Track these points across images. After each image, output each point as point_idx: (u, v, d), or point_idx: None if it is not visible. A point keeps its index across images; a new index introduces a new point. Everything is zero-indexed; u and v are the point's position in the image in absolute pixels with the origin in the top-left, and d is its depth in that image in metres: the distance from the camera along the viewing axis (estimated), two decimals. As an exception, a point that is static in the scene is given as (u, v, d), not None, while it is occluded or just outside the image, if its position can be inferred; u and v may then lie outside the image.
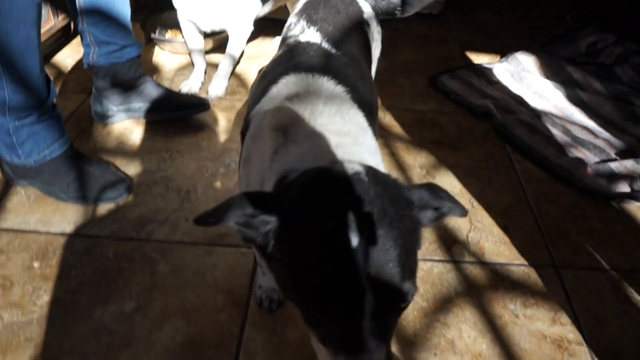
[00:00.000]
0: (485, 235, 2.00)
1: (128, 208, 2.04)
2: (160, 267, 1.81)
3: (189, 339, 1.60)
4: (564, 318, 1.74)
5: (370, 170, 0.90)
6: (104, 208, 2.05)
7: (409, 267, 0.83)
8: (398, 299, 0.81)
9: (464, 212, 0.98)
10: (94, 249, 1.89)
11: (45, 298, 1.73)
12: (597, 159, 2.42)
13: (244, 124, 1.37)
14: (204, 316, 1.66)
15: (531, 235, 2.02)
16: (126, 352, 1.58)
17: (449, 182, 2.24)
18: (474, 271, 1.85)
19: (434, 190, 0.94)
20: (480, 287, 1.80)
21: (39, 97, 1.90)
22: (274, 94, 1.25)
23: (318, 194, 0.86)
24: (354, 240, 0.78)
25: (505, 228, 2.02)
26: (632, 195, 2.22)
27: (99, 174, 2.07)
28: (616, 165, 2.32)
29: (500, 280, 1.83)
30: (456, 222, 2.04)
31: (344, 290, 0.78)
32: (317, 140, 1.07)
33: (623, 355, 1.67)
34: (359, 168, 0.88)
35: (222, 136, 2.47)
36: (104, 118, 2.49)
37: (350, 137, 1.12)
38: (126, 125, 2.51)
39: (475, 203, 2.14)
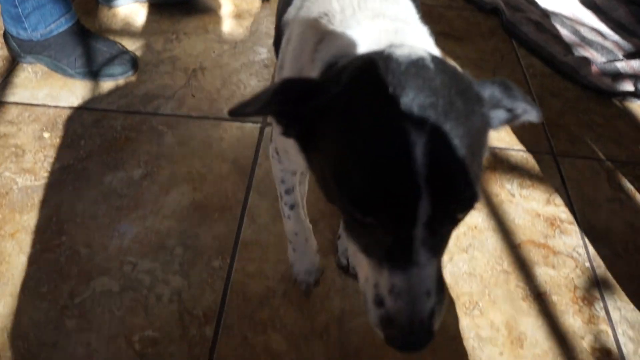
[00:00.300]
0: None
1: (135, 85, 2.06)
2: (167, 139, 1.85)
3: (195, 203, 1.67)
4: (558, 200, 1.80)
5: (436, 58, 0.75)
6: (110, 85, 2.07)
7: (473, 171, 0.69)
8: (458, 205, 0.69)
9: (540, 115, 0.84)
10: (102, 122, 1.92)
11: (56, 165, 1.78)
12: (604, 59, 2.41)
13: (276, 33, 1.25)
14: (210, 183, 1.72)
15: (532, 125, 2.04)
16: (135, 213, 1.65)
17: (454, 73, 2.24)
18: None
19: (508, 87, 0.81)
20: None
21: None
22: None
23: (374, 78, 0.72)
24: (414, 132, 0.65)
25: (507, 116, 2.05)
26: (636, 94, 2.24)
27: (106, 50, 2.07)
28: (622, 65, 2.32)
29: (499, 163, 1.88)
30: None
31: (396, 189, 0.66)
32: (372, 24, 0.92)
33: (610, 235, 1.75)
34: (423, 54, 0.74)
35: (229, 19, 2.45)
36: (109, 0, 2.46)
37: (409, 24, 0.97)
38: (132, 8, 2.48)
39: (479, 93, 2.15)
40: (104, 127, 1.90)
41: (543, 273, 1.61)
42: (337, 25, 0.95)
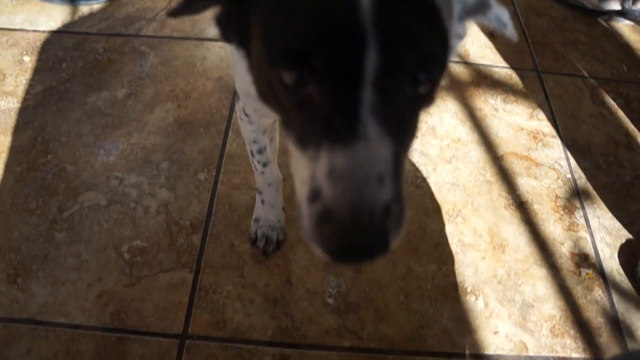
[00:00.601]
0: (471, 39, 2.02)
1: (115, 8, 2.02)
2: (150, 59, 1.84)
3: (179, 120, 1.67)
4: (541, 115, 1.82)
5: None
6: (90, 8, 2.03)
7: (435, 24, 0.57)
8: (417, 57, 0.55)
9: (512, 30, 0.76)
10: (83, 44, 1.89)
11: (38, 87, 1.77)
12: (591, -20, 2.39)
13: None
14: (194, 100, 1.71)
15: (517, 43, 2.04)
16: (120, 131, 1.65)
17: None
18: (458, 69, 1.90)
19: None
20: (463, 83, 1.85)
21: None
22: None
23: None
24: None
25: (491, 34, 2.04)
26: (622, 13, 2.22)
27: None
28: (609, -16, 2.29)
29: (483, 79, 1.88)
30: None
31: (332, 29, 0.53)
32: None
33: (591, 148, 1.77)
34: None
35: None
36: None
37: None
38: None
39: (465, 13, 2.14)
40: (85, 50, 1.88)
41: (525, 183, 1.64)
42: None
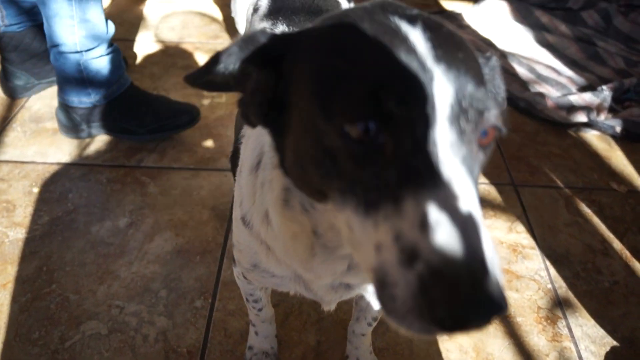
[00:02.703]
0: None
1: (119, 140, 2.18)
2: (150, 189, 1.97)
3: (177, 248, 1.77)
4: (520, 227, 1.93)
5: None
6: (95, 141, 2.19)
7: (480, 76, 0.61)
8: (483, 97, 0.56)
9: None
10: (88, 175, 2.04)
11: (45, 218, 1.88)
12: (558, 94, 2.59)
13: (234, 147, 1.15)
14: (191, 229, 1.83)
15: (493, 159, 2.18)
16: (121, 260, 1.74)
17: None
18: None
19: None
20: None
21: None
22: None
23: (349, 13, 0.64)
24: (409, 30, 0.58)
25: (468, 151, 2.19)
26: (589, 124, 2.39)
27: (167, 103, 2.20)
28: (575, 98, 2.49)
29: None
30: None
31: (399, 68, 0.54)
32: None
33: (570, 257, 1.86)
34: None
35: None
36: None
37: None
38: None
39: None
40: (90, 180, 2.02)
41: (508, 296, 1.71)
42: None
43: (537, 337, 1.63)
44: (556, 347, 1.62)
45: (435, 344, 1.57)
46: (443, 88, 0.53)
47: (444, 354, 1.55)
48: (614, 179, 2.22)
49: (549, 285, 1.77)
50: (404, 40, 0.56)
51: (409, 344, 1.56)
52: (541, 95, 2.48)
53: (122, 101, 2.13)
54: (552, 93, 2.57)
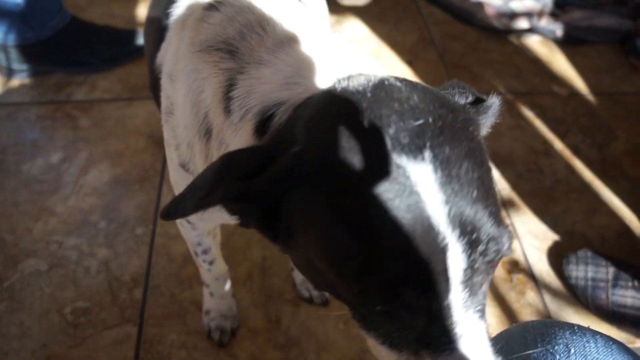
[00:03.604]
0: (391, 69, 2.13)
1: (45, 75, 2.06)
2: (82, 122, 1.88)
3: (115, 178, 1.71)
4: (462, 133, 1.92)
5: (397, 78, 0.63)
6: (20, 78, 2.07)
7: (493, 198, 0.57)
8: (493, 249, 0.54)
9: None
10: (15, 114, 1.93)
11: (-28, 161, 1.79)
12: (499, 2, 2.54)
13: (150, 76, 1.04)
14: (128, 158, 1.76)
15: (434, 68, 2.16)
16: (56, 196, 1.68)
17: (357, 26, 2.33)
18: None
19: (466, 87, 0.71)
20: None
21: None
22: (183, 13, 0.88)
23: (341, 119, 0.57)
24: (418, 171, 0.52)
25: (410, 62, 2.16)
26: (530, 30, 2.38)
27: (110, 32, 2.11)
28: (516, 5, 2.45)
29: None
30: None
31: (416, 251, 0.51)
32: (292, 54, 0.73)
33: (513, 159, 1.88)
34: (381, 75, 0.63)
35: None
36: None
37: (329, 42, 0.76)
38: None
39: (382, 44, 2.25)
40: (17, 119, 1.91)
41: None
42: (247, 59, 0.75)
43: (481, 237, 1.65)
44: (501, 245, 1.64)
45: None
46: (458, 258, 0.52)
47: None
48: (556, 83, 2.22)
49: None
50: (418, 207, 0.51)
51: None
52: (480, 4, 2.44)
53: (69, 34, 2.01)
54: (492, 1, 2.53)
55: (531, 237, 1.68)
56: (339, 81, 0.64)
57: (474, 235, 0.52)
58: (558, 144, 1.97)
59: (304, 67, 0.70)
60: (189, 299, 1.44)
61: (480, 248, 0.53)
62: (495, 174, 1.82)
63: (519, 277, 1.59)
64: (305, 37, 0.76)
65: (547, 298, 1.55)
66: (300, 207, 0.58)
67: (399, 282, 0.52)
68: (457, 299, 0.53)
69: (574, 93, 2.19)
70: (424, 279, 0.52)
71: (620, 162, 1.94)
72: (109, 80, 2.03)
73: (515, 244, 1.65)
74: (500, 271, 1.58)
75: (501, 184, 1.80)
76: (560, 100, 2.15)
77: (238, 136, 0.73)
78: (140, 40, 2.07)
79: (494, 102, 0.70)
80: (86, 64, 2.02)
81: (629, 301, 1.49)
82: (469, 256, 0.52)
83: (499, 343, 0.68)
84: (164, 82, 0.91)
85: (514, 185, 1.81)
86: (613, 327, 1.49)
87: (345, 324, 1.42)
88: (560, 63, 2.32)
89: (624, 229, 1.74)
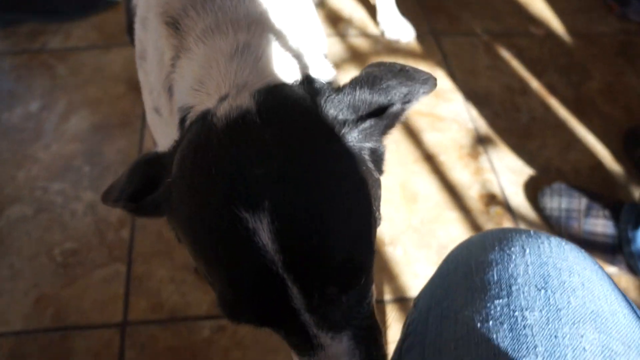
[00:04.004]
0: (371, 13, 2.13)
1: (17, 24, 2.02)
2: (60, 71, 1.87)
3: (95, 124, 1.71)
4: (440, 73, 1.95)
5: (267, 103, 0.61)
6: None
7: (347, 230, 0.58)
8: (337, 281, 0.57)
9: (433, 86, 0.71)
10: (-11, 65, 1.91)
11: (-51, 112, 1.77)
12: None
13: (126, 17, 1.04)
14: (107, 104, 1.76)
15: (411, 10, 2.16)
16: (38, 143, 1.68)
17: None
18: (357, 41, 2.01)
19: (381, 78, 0.65)
20: (364, 54, 1.96)
21: None
22: None
23: (198, 159, 0.60)
24: (254, 219, 0.54)
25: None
26: (507, -29, 2.37)
27: None
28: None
29: (382, 48, 2.00)
30: (341, 5, 2.16)
31: (255, 292, 0.56)
32: (212, 49, 0.70)
33: (490, 97, 1.91)
34: (247, 105, 0.60)
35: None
36: None
37: (264, 26, 0.73)
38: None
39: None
40: (-8, 70, 1.89)
41: (430, 138, 1.76)
42: (184, 43, 0.73)
43: (460, 172, 1.70)
44: (478, 180, 1.69)
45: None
46: (298, 296, 0.55)
47: (372, 195, 1.60)
48: (533, 24, 2.24)
49: (470, 125, 1.82)
50: (252, 246, 0.54)
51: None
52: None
53: None
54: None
55: (508, 172, 1.73)
56: (219, 103, 0.64)
57: (311, 272, 0.55)
58: (534, 83, 2.01)
59: (210, 72, 0.68)
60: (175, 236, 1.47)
61: (320, 285, 0.56)
62: (473, 112, 1.85)
63: (497, 210, 1.64)
64: (236, 28, 0.71)
65: (523, 228, 1.61)
66: (175, 224, 0.65)
67: (245, 311, 0.59)
68: (308, 321, 0.57)
69: (550, 34, 2.21)
70: (265, 311, 0.58)
71: (594, 100, 1.98)
72: (84, 28, 2.00)
73: (493, 178, 1.70)
74: (478, 204, 1.63)
75: (478, 122, 1.83)
76: (537, 40, 2.17)
77: (172, 119, 0.77)
78: None
79: (395, 110, 0.66)
80: (60, 12, 1.99)
81: (599, 229, 1.56)
82: (309, 293, 0.55)
83: (459, 251, 0.73)
84: (137, 27, 0.89)
85: (491, 123, 1.84)
86: (585, 253, 1.56)
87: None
88: (537, 4, 2.33)
89: (597, 163, 1.79)
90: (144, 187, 0.66)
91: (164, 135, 0.91)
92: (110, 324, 1.35)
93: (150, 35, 0.83)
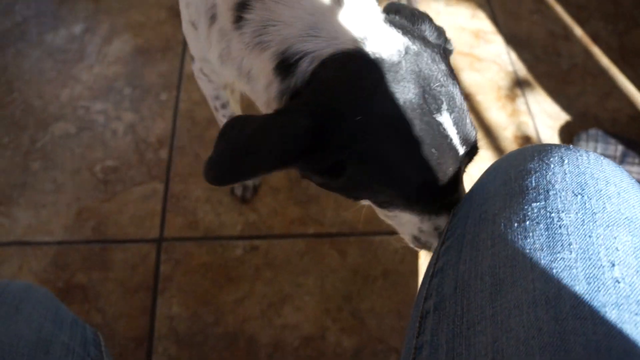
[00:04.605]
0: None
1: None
2: (103, -6, 1.89)
3: (137, 48, 1.74)
4: (482, 15, 1.91)
5: (404, 33, 0.73)
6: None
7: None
8: (474, 151, 0.78)
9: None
10: (34, -14, 1.93)
11: (-4, 31, 1.81)
12: None
13: None
14: (149, 29, 1.78)
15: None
16: (81, 64, 1.72)
17: None
18: (401, -23, 1.97)
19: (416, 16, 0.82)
20: None
21: None
22: None
23: (385, 90, 0.67)
24: (441, 116, 0.69)
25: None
26: None
27: None
28: None
29: (425, -15, 1.97)
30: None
31: (446, 173, 0.71)
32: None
33: (531, 42, 1.88)
34: (395, 38, 0.71)
35: None
36: None
37: None
38: None
39: None
40: (37, -9, 1.92)
41: (468, 77, 1.75)
42: None
43: (496, 113, 1.69)
44: (514, 122, 1.68)
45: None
46: (462, 169, 0.76)
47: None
48: (580, -31, 2.17)
49: (510, 67, 1.80)
50: (445, 138, 0.70)
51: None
52: None
53: None
54: None
55: (544, 116, 1.71)
56: (364, 41, 0.70)
57: (470, 146, 0.75)
58: (578, 30, 1.96)
59: (328, 18, 0.72)
60: (212, 159, 1.51)
61: (470, 153, 0.76)
62: (513, 55, 1.83)
63: (530, 153, 1.64)
64: None
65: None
66: (360, 157, 0.70)
67: (436, 188, 0.72)
68: (459, 190, 0.77)
69: (598, -20, 2.14)
70: (452, 177, 0.73)
71: (638, 50, 1.93)
72: (128, -46, 2.00)
73: (529, 121, 1.69)
74: (512, 145, 1.63)
75: (518, 65, 1.81)
76: (583, -14, 2.11)
77: (258, 62, 0.76)
78: None
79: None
80: None
81: (635, 176, 1.55)
82: (467, 156, 0.75)
83: (499, 163, 0.76)
84: None
85: (531, 66, 1.82)
86: (617, 198, 1.55)
87: (361, 186, 1.49)
88: (587, -51, 2.25)
89: (636, 113, 1.76)
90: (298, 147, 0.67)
91: (197, 48, 0.96)
92: (147, 239, 1.41)
93: None
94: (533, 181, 0.67)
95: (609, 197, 0.63)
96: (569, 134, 1.68)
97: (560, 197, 0.63)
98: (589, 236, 0.59)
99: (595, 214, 0.61)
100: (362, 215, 1.43)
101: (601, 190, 0.64)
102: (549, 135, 1.68)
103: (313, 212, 1.44)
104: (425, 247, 0.85)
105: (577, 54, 1.89)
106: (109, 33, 1.77)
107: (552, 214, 0.62)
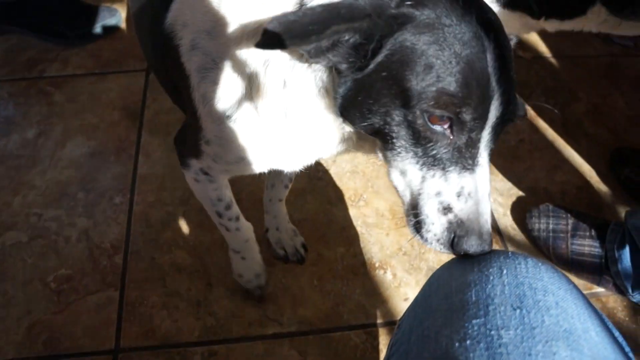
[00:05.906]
0: None
1: (17, 53, 2.07)
2: (56, 98, 1.90)
3: (91, 151, 1.74)
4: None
5: None
6: (-8, 57, 2.08)
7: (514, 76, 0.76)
8: (515, 109, 0.74)
9: None
10: (-13, 93, 1.94)
11: (-53, 140, 1.80)
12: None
13: (155, 46, 1.04)
14: (103, 131, 1.79)
15: None
16: (34, 170, 1.71)
17: None
18: None
19: None
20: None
21: None
22: None
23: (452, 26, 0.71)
24: (485, 42, 0.71)
25: None
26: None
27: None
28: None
29: None
30: None
31: (480, 87, 0.70)
32: None
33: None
34: None
35: None
36: None
37: None
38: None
39: None
40: (-10, 98, 1.93)
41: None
42: None
43: (449, 195, 1.72)
44: (467, 202, 1.71)
45: (353, 209, 1.64)
46: (497, 108, 0.71)
47: (361, 219, 1.63)
48: (520, 47, 2.29)
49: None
50: (484, 59, 0.70)
51: (327, 212, 1.63)
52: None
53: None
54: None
55: (496, 194, 1.75)
56: None
57: (508, 98, 0.72)
58: (522, 106, 2.04)
59: None
60: (168, 262, 1.49)
61: (509, 107, 0.73)
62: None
63: (485, 232, 1.66)
64: None
65: (511, 249, 1.63)
66: (408, 43, 0.71)
67: (464, 102, 0.69)
68: (486, 136, 0.73)
69: (537, 56, 2.26)
70: (479, 108, 0.70)
71: (581, 122, 2.02)
72: (81, 56, 2.04)
73: (482, 201, 1.72)
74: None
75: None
76: (524, 64, 2.22)
77: None
78: (114, 19, 2.08)
79: None
80: (62, 35, 2.03)
81: (586, 249, 1.58)
82: (502, 109, 0.71)
83: (441, 273, 0.77)
84: (202, 41, 0.88)
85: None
86: (572, 274, 1.57)
87: (319, 280, 1.49)
88: (524, 28, 2.38)
89: (584, 184, 1.82)
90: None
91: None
92: (103, 350, 1.36)
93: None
94: (473, 295, 0.67)
95: (548, 309, 0.64)
96: (521, 210, 1.72)
97: (499, 312, 0.64)
98: (529, 354, 0.59)
99: (534, 329, 0.62)
100: (323, 309, 1.42)
101: (539, 302, 0.65)
102: (502, 212, 1.71)
103: (271, 312, 1.42)
104: (429, 232, 0.77)
105: (523, 129, 1.97)
106: (62, 136, 1.78)
107: (492, 332, 0.62)
